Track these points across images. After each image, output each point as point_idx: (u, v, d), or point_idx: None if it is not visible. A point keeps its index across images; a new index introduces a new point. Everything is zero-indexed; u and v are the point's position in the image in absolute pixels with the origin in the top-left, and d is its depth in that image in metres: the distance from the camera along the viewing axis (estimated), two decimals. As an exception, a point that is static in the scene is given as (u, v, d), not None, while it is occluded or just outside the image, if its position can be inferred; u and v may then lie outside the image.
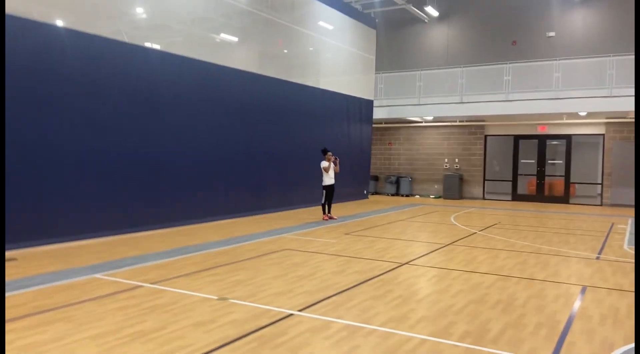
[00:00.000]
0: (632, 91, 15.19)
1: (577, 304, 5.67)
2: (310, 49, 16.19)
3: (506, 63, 17.62)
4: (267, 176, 13.72)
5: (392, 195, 21.31)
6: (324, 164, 12.65)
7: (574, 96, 16.51)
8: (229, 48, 13.38)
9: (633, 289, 6.35)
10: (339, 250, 8.67)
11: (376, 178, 22.00)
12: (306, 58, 16.10)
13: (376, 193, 21.81)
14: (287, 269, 7.12)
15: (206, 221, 11.56)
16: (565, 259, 8.24)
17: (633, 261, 8.16)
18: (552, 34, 18.75)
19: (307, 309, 5.20)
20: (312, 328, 4.64)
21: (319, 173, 12.82)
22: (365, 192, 19.05)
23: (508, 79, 17.49)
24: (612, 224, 13.02)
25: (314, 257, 8.07)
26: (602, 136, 18.23)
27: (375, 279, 6.65)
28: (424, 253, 8.60)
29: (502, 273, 7.16)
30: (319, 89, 16.00)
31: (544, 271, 7.35)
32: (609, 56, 16.06)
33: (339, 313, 5.12)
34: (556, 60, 16.79)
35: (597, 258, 8.40)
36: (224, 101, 12.23)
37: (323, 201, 12.80)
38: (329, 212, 12.82)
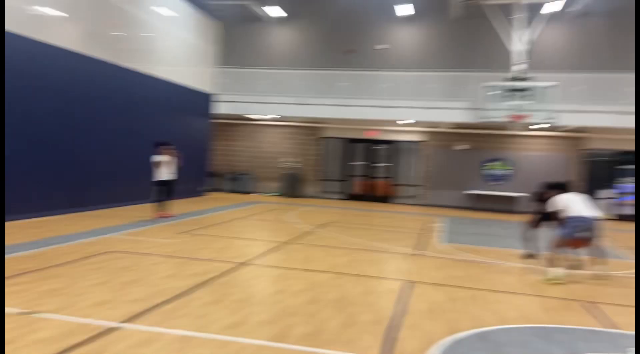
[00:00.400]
0: (448, 104, 17.12)
1: (402, 299, 6.05)
2: (146, 34, 15.04)
3: (341, 70, 18.53)
4: (91, 169, 12.36)
5: (232, 192, 20.99)
6: (157, 157, 11.81)
7: (399, 106, 18.02)
8: (50, 23, 11.73)
9: (449, 284, 7.02)
10: (174, 251, 8.11)
11: (217, 175, 21.48)
12: (141, 43, 14.91)
13: (216, 190, 21.28)
14: (112, 274, 6.39)
15: (11, 220, 9.88)
16: (391, 256, 8.84)
17: (448, 256, 9.09)
18: (383, 46, 20.24)
19: (134, 320, 4.67)
20: (139, 342, 4.16)
21: (152, 167, 11.93)
22: (200, 189, 18.38)
23: (344, 84, 18.42)
24: (429, 222, 14.47)
25: (144, 259, 7.41)
26: (420, 143, 20.24)
27: (213, 281, 6.33)
28: (264, 252, 8.50)
29: (336, 270, 7.37)
30: (152, 77, 14.94)
31: (373, 267, 7.76)
32: (429, 71, 17.87)
33: (172, 322, 4.70)
34: (385, 71, 18.16)
35: (418, 254, 9.18)
36: (40, 80, 10.67)
37: (156, 197, 11.96)
38: (166, 209, 12.02)
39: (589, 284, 7.35)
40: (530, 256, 9.10)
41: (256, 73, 19.26)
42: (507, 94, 14.63)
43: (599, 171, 19.16)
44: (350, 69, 18.54)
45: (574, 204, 7.70)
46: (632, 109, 15.51)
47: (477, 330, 5.04)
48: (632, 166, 18.61)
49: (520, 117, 14.30)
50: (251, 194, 20.88)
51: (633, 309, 6.12)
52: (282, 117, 20.15)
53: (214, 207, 15.31)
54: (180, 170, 12.30)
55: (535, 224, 9.19)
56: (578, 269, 8.06)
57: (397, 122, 19.39)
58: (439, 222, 14.44)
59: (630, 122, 15.67)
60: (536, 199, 9.11)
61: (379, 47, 19.32)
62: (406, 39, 20.22)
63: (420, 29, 20.08)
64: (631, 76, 15.57)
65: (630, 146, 17.92)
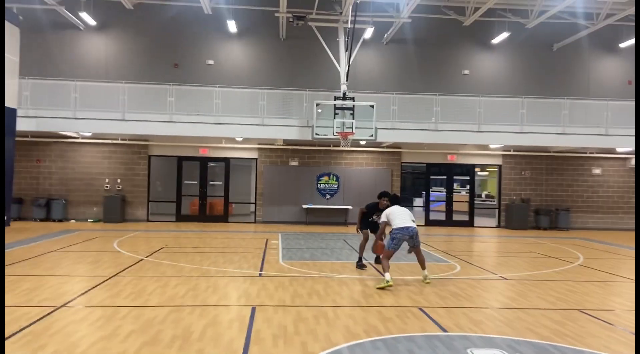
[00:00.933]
0: (281, 121, 17.37)
1: (249, 327, 5.71)
2: None
3: (169, 84, 17.59)
4: None
5: (42, 220, 18.35)
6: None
7: (231, 122, 17.70)
8: None
9: (294, 303, 6.89)
10: (-36, 300, 6.57)
11: (21, 201, 18.59)
12: None
13: (21, 219, 18.39)
14: None
15: None
16: (232, 280, 8.44)
17: (289, 275, 9.01)
18: (210, 62, 19.82)
19: None
20: None
21: None
22: (4, 218, 15.65)
23: (172, 100, 17.49)
24: (267, 240, 14.38)
25: None
26: (255, 160, 20.20)
27: (22, 332, 5.23)
28: (85, 290, 7.40)
29: (174, 302, 6.73)
30: None
31: (215, 295, 7.29)
32: (261, 88, 17.93)
33: (-38, 397, 3.67)
34: (216, 87, 17.71)
35: (260, 275, 8.92)
36: None
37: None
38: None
39: (416, 289, 7.88)
40: (363, 266, 9.59)
41: (63, 85, 17.18)
42: (337, 112, 15.37)
43: (413, 182, 21.26)
44: (179, 84, 17.68)
45: (397, 216, 8.41)
46: (440, 126, 17.57)
47: (329, 351, 4.94)
48: (440, 177, 21.09)
49: (346, 134, 15.13)
50: (66, 222, 18.51)
51: (456, 311, 6.69)
52: (101, 134, 18.33)
53: (20, 240, 13.16)
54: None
55: (367, 234, 9.72)
56: (404, 275, 8.65)
57: (232, 138, 19.09)
58: (276, 240, 14.42)
59: (438, 138, 17.67)
60: (372, 209, 9.65)
61: None
62: (237, 56, 20.09)
63: (251, 45, 20.12)
64: (439, 97, 17.65)
65: (438, 159, 20.29)
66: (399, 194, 9.44)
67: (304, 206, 19.49)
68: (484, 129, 17.77)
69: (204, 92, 17.72)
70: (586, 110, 18.00)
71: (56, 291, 7.36)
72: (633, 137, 17.66)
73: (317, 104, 15.48)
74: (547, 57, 20.47)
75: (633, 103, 17.79)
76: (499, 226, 20.28)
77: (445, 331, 5.75)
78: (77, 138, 19.00)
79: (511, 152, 20.11)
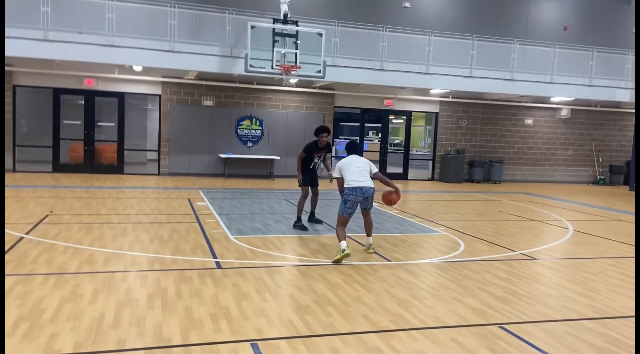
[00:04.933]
0: (193, 48, 13.71)
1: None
2: None
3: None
4: None
5: None
6: None
7: (129, 45, 13.59)
8: None
9: (326, 332, 4.20)
10: None
11: None
12: None
13: None
14: None
15: None
16: (183, 278, 5.44)
17: (264, 263, 6.21)
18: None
19: None
20: None
21: None
22: None
23: (47, 10, 12.86)
24: (189, 200, 11.19)
25: None
26: (157, 97, 16.29)
27: None
28: None
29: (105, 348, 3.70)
30: None
31: (179, 327, 4.33)
32: (170, 4, 13.91)
33: None
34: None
35: (219, 268, 6.02)
36: None
37: None
38: None
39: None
40: (303, 227, 8.33)
41: None
42: (276, 39, 12.12)
43: (345, 129, 18.89)
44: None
45: (351, 171, 6.65)
46: (385, 66, 15.16)
47: None
48: (375, 124, 18.85)
49: (290, 68, 12.08)
50: None
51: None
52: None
53: None
54: None
55: (306, 191, 8.48)
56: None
57: (128, 67, 15.01)
58: (201, 200, 11.29)
59: (383, 79, 15.33)
60: (311, 150, 8.28)
61: None
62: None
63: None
64: (386, 33, 15.13)
65: (374, 105, 18.03)
66: (356, 140, 7.49)
67: (222, 156, 16.24)
68: (433, 71, 15.77)
69: (93, 2, 13.30)
70: (531, 55, 16.75)
71: None
72: (573, 86, 16.94)
73: (252, 27, 12.10)
74: (489, -5, 18.77)
75: (575, 51, 16.90)
76: (432, 178, 18.89)
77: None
78: None
79: (449, 99, 18.51)
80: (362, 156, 7.21)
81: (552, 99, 18.64)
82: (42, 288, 4.94)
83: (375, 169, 6.82)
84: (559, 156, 20.09)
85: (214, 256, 6.46)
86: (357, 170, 6.64)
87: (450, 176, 18.17)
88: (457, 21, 17.93)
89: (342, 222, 6.60)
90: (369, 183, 6.62)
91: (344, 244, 6.32)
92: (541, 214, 11.42)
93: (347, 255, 6.26)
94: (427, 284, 5.60)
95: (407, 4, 17.87)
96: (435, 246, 7.57)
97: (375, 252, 6.88)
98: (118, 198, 11.12)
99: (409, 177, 18.75)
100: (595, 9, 19.51)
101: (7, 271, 5.39)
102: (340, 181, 6.76)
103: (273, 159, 16.73)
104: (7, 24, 12.64)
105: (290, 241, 7.53)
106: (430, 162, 19.12)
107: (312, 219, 8.84)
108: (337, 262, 6.26)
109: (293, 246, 7.22)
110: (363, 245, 7.12)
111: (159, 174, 16.28)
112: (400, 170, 18.80)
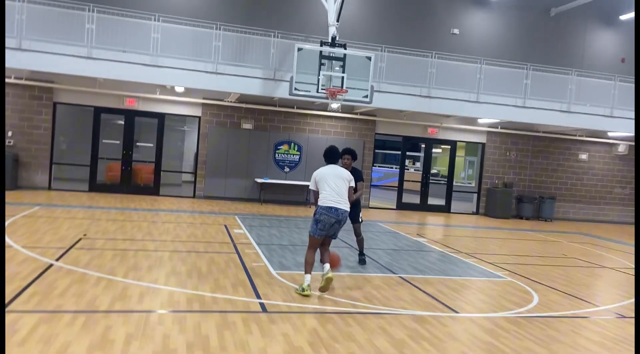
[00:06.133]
0: (238, 70, 13.36)
1: None
2: None
3: (87, 5, 12.79)
4: None
5: None
6: None
7: (172, 66, 13.31)
8: None
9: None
10: None
11: None
12: None
13: None
14: None
15: None
16: (226, 323, 4.74)
17: (315, 307, 5.48)
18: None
19: None
20: None
21: None
22: None
23: (91, 28, 12.74)
24: (226, 227, 10.60)
25: None
26: (197, 119, 15.96)
27: None
28: None
29: None
30: None
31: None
32: (215, 25, 13.65)
33: None
34: (154, 17, 13.14)
35: (264, 311, 5.32)
36: None
37: None
38: None
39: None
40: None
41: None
42: (323, 62, 11.58)
43: (385, 158, 18.18)
44: (102, 6, 12.88)
45: (327, 186, 5.92)
46: (433, 93, 14.50)
47: None
48: (416, 153, 18.12)
49: (336, 91, 11.52)
50: None
51: None
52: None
53: None
54: None
55: None
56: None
57: (170, 88, 14.80)
58: (238, 227, 10.68)
59: (430, 106, 14.66)
60: None
61: None
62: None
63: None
64: (435, 59, 14.52)
65: (417, 132, 17.30)
66: (335, 147, 6.09)
67: (258, 180, 15.70)
68: (483, 99, 15.00)
69: (138, 22, 13.14)
70: (587, 87, 15.79)
71: None
72: (633, 121, 15.85)
73: (299, 49, 11.63)
74: (543, 22, 17.97)
75: (631, 84, 15.87)
76: (477, 212, 17.88)
77: None
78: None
79: (498, 130, 17.61)
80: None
81: (609, 134, 17.56)
82: (69, 329, 4.33)
83: (353, 183, 6.19)
84: (616, 194, 18.81)
85: (258, 296, 5.77)
86: (333, 186, 5.98)
87: (497, 211, 17.13)
88: (506, 49, 17.17)
89: (313, 245, 6.07)
90: (345, 205, 5.99)
91: (307, 280, 5.81)
92: (610, 260, 10.36)
93: (307, 295, 5.72)
94: (509, 346, 4.76)
95: (456, 31, 17.26)
96: (503, 296, 6.69)
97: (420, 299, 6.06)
98: (153, 221, 10.62)
99: (451, 210, 17.79)
100: (656, 40, 18.46)
101: (31, 307, 4.81)
102: (314, 195, 6.20)
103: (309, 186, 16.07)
104: (50, 40, 12.60)
105: (338, 280, 6.78)
106: (475, 195, 18.14)
107: (360, 257, 8.12)
108: (302, 292, 5.79)
109: (342, 287, 6.47)
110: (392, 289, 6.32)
111: (194, 196, 15.82)
112: (442, 202, 17.88)
